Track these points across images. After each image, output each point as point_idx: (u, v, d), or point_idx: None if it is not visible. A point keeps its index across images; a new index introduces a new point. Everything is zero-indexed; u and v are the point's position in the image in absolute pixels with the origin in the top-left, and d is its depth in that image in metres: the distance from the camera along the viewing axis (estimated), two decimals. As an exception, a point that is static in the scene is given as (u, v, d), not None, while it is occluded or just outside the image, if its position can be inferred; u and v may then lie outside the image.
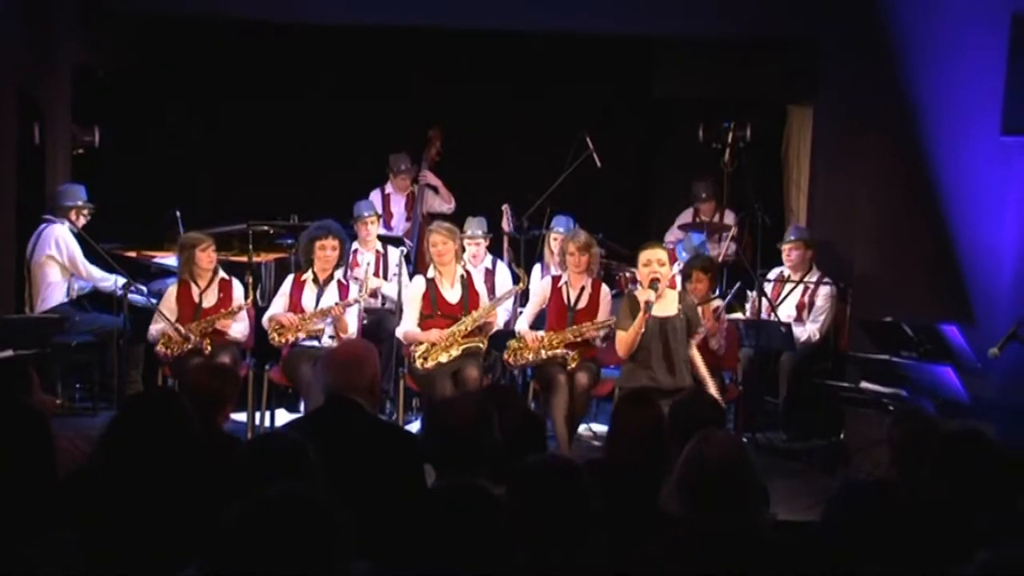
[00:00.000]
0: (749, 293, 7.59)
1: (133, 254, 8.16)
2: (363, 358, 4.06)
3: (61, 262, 7.45)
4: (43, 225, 7.56)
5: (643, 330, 5.72)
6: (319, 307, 7.00)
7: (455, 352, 6.78)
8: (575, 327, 6.76)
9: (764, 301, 7.48)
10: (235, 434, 4.80)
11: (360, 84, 9.84)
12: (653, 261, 5.82)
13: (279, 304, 7.11)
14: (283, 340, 6.95)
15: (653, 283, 5.73)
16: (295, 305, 7.06)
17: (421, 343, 6.82)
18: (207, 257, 7.08)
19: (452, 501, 2.59)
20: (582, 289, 6.94)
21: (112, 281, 7.48)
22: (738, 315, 7.53)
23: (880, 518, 2.66)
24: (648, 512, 2.99)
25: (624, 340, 5.82)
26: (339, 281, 7.17)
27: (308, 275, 7.14)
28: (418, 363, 6.78)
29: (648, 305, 5.68)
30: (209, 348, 6.85)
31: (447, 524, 2.52)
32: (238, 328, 7.09)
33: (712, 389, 5.81)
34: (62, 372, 7.57)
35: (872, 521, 2.65)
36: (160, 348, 6.93)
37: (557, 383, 6.59)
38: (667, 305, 5.83)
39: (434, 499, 2.65)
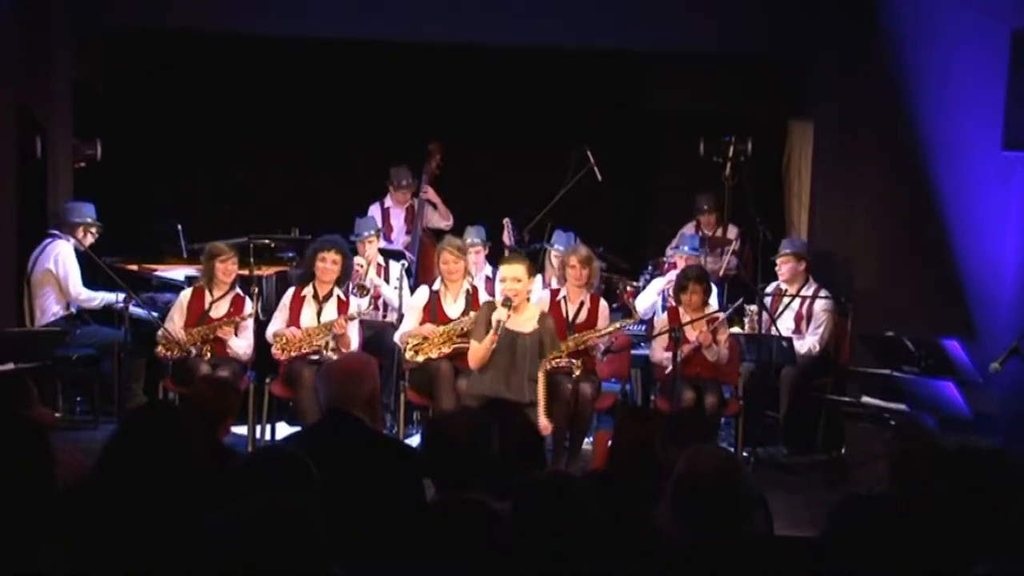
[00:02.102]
0: (749, 308, 7.57)
1: (135, 267, 8.16)
2: (361, 371, 4.05)
3: (56, 277, 7.46)
4: (48, 240, 7.57)
5: (494, 346, 5.73)
6: (321, 322, 7.02)
7: (446, 350, 6.84)
8: (577, 335, 6.78)
9: (764, 315, 7.47)
10: (235, 447, 4.79)
11: (360, 98, 9.87)
12: (508, 278, 5.80)
13: (279, 320, 7.13)
14: (287, 355, 6.96)
15: (506, 301, 5.73)
16: (294, 320, 7.07)
17: (414, 337, 6.91)
18: (224, 269, 7.14)
19: (450, 515, 2.58)
20: (581, 304, 6.96)
21: (100, 300, 7.50)
22: (736, 329, 7.53)
23: (880, 533, 2.65)
24: (644, 526, 2.98)
25: (475, 354, 5.84)
26: (339, 297, 7.17)
27: (308, 290, 7.15)
28: (408, 354, 6.88)
29: (499, 324, 5.68)
30: (209, 354, 6.89)
31: (445, 538, 2.51)
32: (240, 345, 7.11)
33: (542, 417, 5.77)
34: (63, 385, 7.57)
35: (872, 536, 2.65)
36: (160, 349, 7.01)
37: (561, 392, 6.58)
38: (524, 321, 5.82)
39: (433, 513, 2.65)
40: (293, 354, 6.97)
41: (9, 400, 3.96)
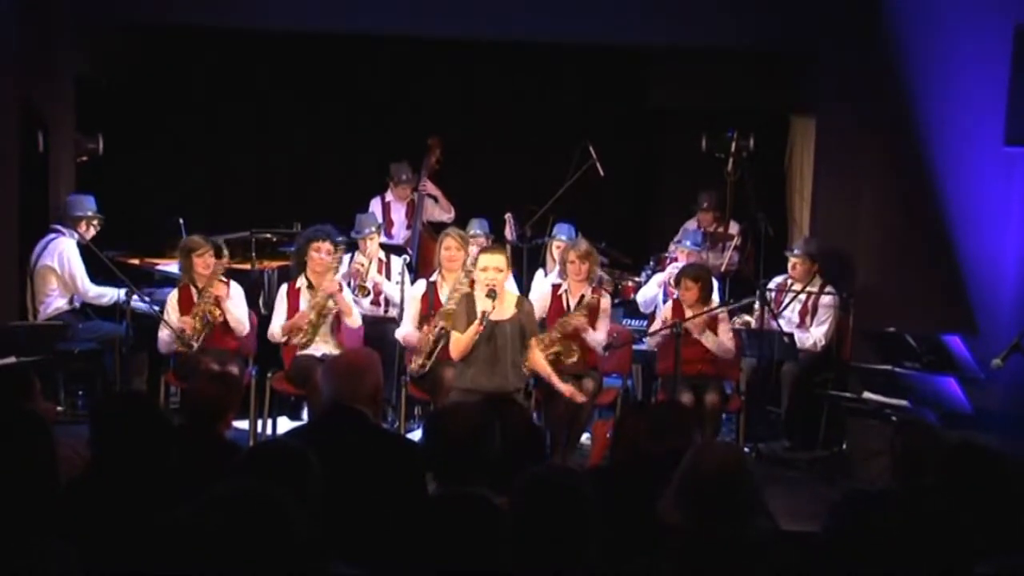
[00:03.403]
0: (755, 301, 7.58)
1: (136, 261, 8.16)
2: (365, 367, 4.06)
3: (60, 276, 7.45)
4: (51, 235, 7.56)
5: (476, 337, 5.79)
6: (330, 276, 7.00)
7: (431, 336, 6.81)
8: (561, 320, 6.77)
9: (766, 311, 7.46)
10: (237, 442, 4.79)
11: (361, 92, 9.87)
12: (490, 268, 5.84)
13: (280, 316, 7.10)
14: (302, 339, 6.95)
15: (491, 292, 5.76)
16: (294, 310, 7.04)
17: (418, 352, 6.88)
18: (203, 263, 7.07)
19: (450, 509, 2.58)
20: (582, 298, 6.95)
21: (109, 297, 7.50)
22: (746, 317, 7.53)
23: (881, 529, 2.65)
24: (645, 522, 2.98)
25: (457, 345, 5.90)
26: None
27: (302, 281, 7.12)
28: (415, 367, 6.86)
29: (484, 316, 5.74)
30: (200, 338, 6.90)
31: (445, 532, 2.51)
32: (237, 310, 7.08)
33: (560, 387, 6.14)
34: (65, 379, 7.57)
35: (873, 532, 2.65)
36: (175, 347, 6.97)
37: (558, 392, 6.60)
38: (502, 310, 5.87)
39: (433, 507, 2.64)
40: (307, 332, 6.94)
41: (11, 394, 3.96)
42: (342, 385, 3.98)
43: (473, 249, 7.59)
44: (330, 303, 7.00)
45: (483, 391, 5.74)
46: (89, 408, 6.37)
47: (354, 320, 7.10)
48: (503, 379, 5.85)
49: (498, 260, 5.87)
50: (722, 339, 7.03)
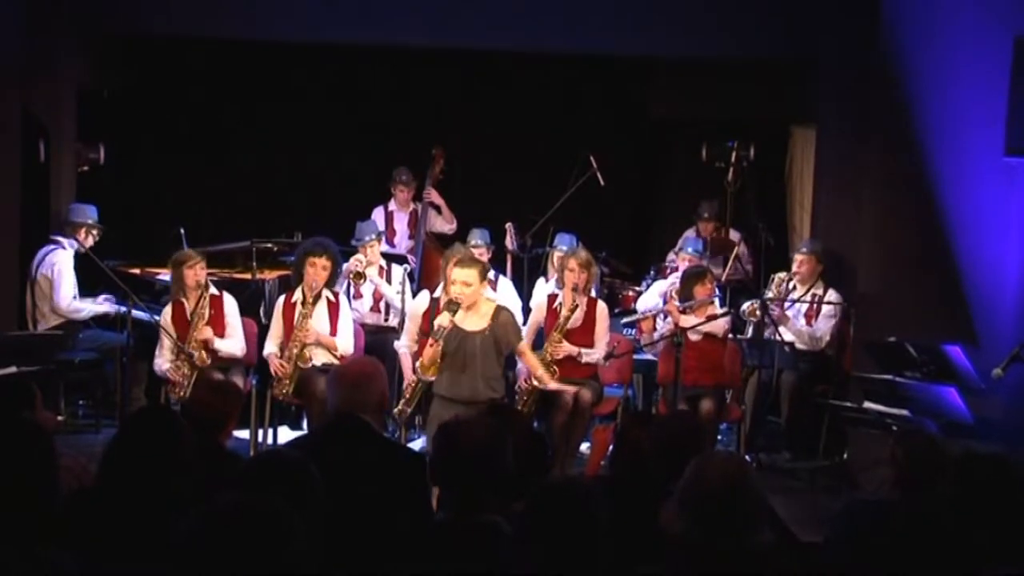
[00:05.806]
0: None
1: (137, 271, 8.16)
2: (371, 376, 4.06)
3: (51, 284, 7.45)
4: (50, 246, 7.56)
5: (441, 345, 5.92)
6: (311, 326, 6.95)
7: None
8: (546, 351, 6.75)
9: (767, 319, 7.46)
10: (237, 452, 4.79)
11: (363, 103, 9.88)
12: (459, 282, 5.89)
13: (276, 330, 7.06)
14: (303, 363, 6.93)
15: (449, 305, 5.81)
16: (289, 326, 7.02)
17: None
18: (192, 274, 7.03)
19: (458, 537, 2.56)
20: (575, 307, 6.88)
21: (86, 312, 7.49)
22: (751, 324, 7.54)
23: (883, 538, 2.65)
24: (648, 532, 2.97)
25: (424, 357, 6.07)
26: (327, 299, 7.12)
27: (297, 295, 7.08)
28: (398, 411, 6.78)
29: (440, 330, 5.85)
30: (205, 360, 6.87)
31: (453, 560, 2.50)
32: (229, 345, 7.06)
33: (552, 385, 6.35)
34: (65, 389, 7.56)
35: (875, 541, 2.65)
36: (171, 374, 6.92)
37: (560, 401, 6.59)
38: (476, 320, 5.92)
39: (440, 534, 2.62)
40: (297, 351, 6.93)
41: (12, 404, 3.95)
42: (350, 394, 3.96)
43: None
44: (306, 352, 6.95)
45: (456, 399, 5.83)
46: (121, 419, 6.33)
47: (345, 348, 7.03)
48: (472, 389, 5.92)
49: (468, 275, 5.92)
50: (716, 325, 7.07)
